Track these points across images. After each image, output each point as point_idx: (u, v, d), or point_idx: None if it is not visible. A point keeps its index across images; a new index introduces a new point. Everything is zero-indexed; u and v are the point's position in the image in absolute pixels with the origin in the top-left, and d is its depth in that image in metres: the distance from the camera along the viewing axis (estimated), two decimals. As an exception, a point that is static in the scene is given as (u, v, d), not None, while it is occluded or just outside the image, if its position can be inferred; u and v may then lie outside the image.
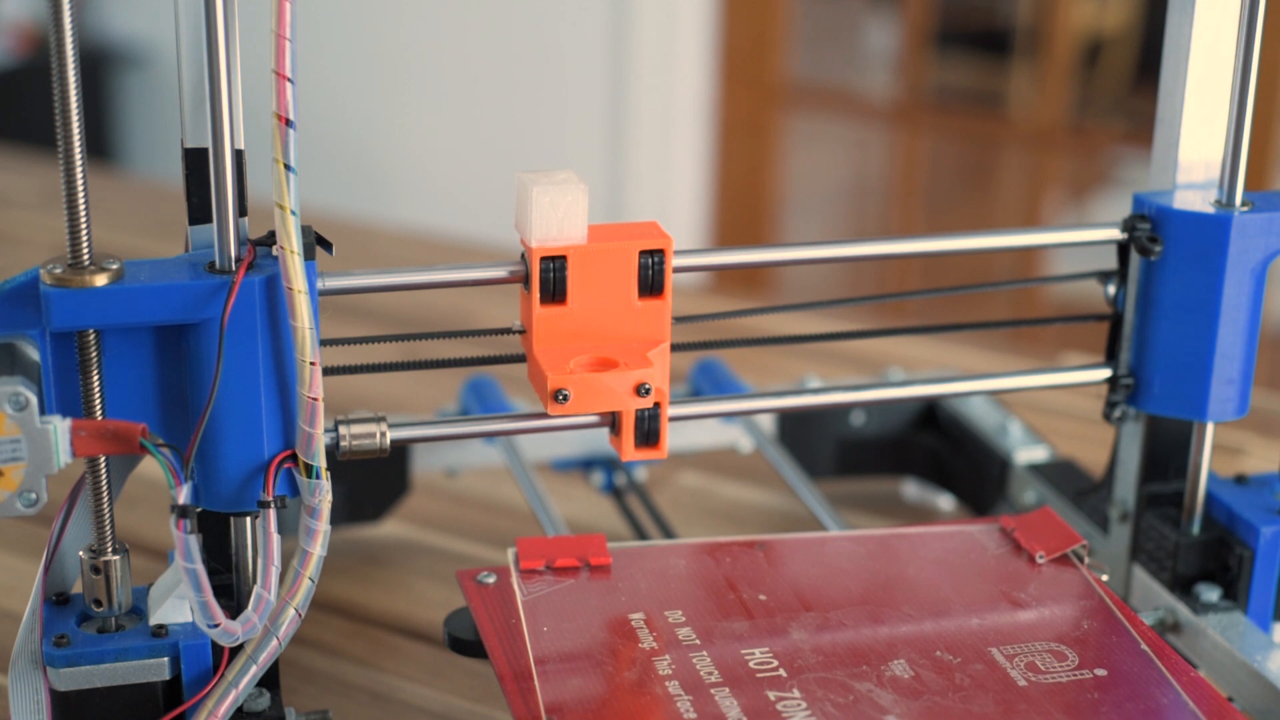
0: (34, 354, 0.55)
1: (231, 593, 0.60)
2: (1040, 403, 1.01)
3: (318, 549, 0.57)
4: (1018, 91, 3.18)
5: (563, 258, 0.60)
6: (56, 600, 0.60)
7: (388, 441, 0.60)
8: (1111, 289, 0.70)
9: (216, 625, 0.55)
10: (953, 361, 1.09)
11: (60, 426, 0.53)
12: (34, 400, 0.52)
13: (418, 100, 2.75)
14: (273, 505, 0.57)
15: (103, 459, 0.57)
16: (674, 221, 2.55)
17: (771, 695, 0.57)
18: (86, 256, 0.54)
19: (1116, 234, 0.68)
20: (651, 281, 0.61)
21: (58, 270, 0.54)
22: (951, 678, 0.58)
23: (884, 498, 0.92)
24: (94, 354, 0.56)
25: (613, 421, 0.62)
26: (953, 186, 3.38)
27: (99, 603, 0.59)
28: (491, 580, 0.64)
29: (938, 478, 0.90)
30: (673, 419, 0.63)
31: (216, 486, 0.57)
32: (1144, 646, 0.61)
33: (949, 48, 3.20)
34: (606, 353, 0.61)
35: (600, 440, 0.84)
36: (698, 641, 0.60)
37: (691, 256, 0.64)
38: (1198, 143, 0.69)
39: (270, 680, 0.61)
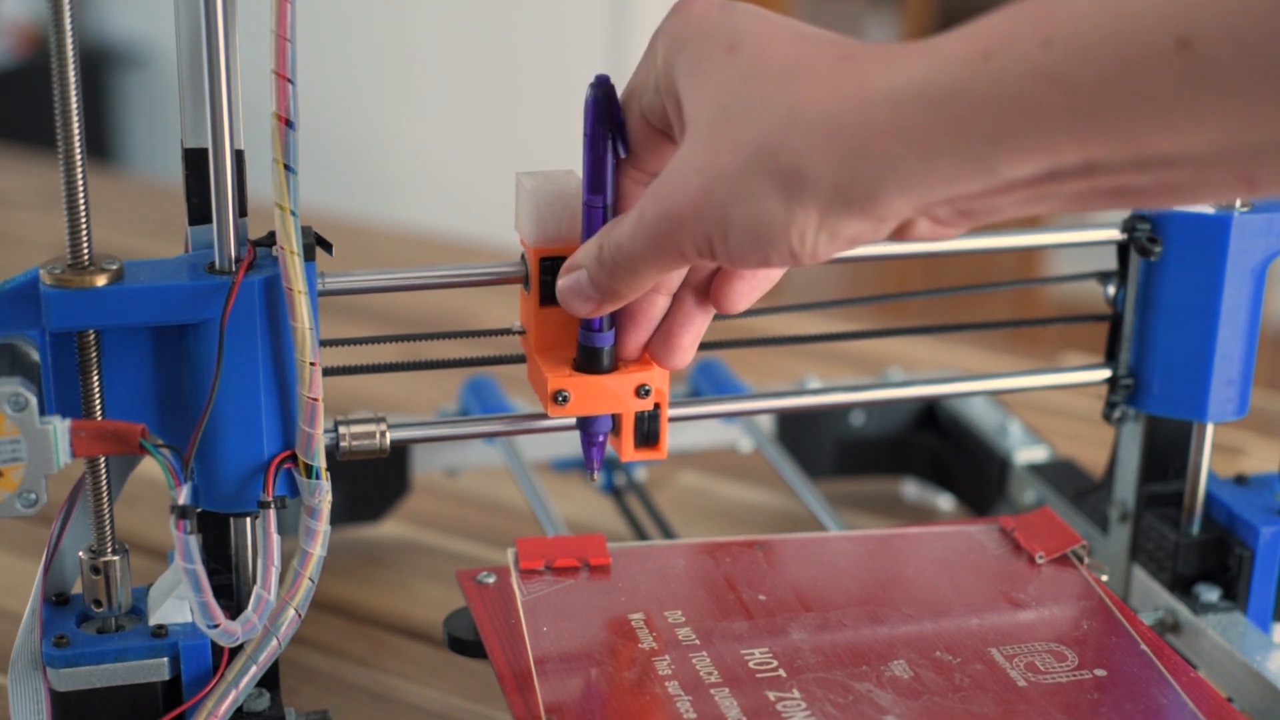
0: (34, 354, 0.55)
1: (231, 593, 0.60)
2: (1040, 403, 1.00)
3: (317, 549, 0.57)
4: (1018, 91, 3.18)
5: (563, 258, 0.60)
6: (56, 600, 0.60)
7: (388, 441, 0.60)
8: (1111, 289, 0.70)
9: (216, 625, 0.55)
10: (953, 361, 1.09)
11: (60, 427, 0.53)
12: (34, 400, 0.52)
13: (418, 100, 2.75)
14: (272, 505, 0.57)
15: (102, 459, 0.57)
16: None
17: (771, 695, 0.57)
18: (86, 256, 0.54)
19: (1116, 234, 0.68)
20: (651, 282, 0.61)
21: (58, 270, 0.54)
22: (951, 678, 0.58)
23: (884, 498, 0.92)
24: (94, 354, 0.56)
25: (612, 422, 0.62)
26: (953, 186, 3.38)
27: (99, 603, 0.59)
28: (491, 580, 0.64)
29: (938, 478, 0.90)
30: (673, 419, 0.63)
31: (216, 487, 0.57)
32: (1143, 647, 0.61)
33: (949, 48, 3.19)
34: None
35: (600, 440, 0.84)
36: (697, 641, 0.60)
37: (691, 257, 0.64)
38: (1197, 143, 0.69)
39: (270, 680, 0.61)
